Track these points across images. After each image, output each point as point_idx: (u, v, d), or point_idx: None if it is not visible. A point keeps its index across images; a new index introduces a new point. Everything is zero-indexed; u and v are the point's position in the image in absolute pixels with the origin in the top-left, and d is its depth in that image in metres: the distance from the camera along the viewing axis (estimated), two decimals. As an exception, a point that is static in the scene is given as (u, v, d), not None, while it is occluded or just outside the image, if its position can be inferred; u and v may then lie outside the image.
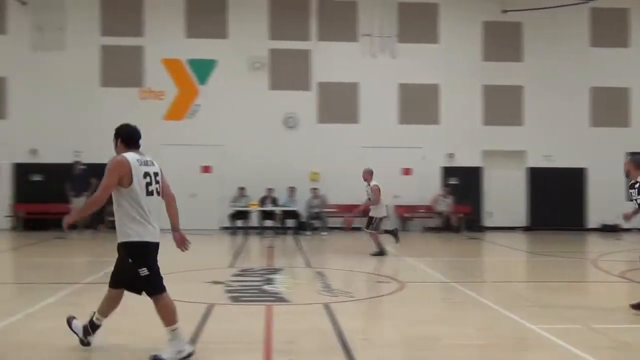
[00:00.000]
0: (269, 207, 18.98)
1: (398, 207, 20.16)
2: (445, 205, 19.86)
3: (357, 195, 20.03)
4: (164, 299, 5.74)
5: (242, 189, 19.24)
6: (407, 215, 20.14)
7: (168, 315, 5.69)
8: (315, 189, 19.46)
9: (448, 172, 20.51)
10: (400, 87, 20.44)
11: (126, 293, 5.97)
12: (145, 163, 5.70)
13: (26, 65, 19.52)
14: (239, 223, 19.02)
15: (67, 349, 6.02)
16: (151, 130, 19.44)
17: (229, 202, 19.21)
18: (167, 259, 12.53)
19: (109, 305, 6.01)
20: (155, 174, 5.78)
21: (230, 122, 19.83)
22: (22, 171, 19.60)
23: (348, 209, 20.05)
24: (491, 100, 20.70)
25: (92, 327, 6.02)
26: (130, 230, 5.56)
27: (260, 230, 18.74)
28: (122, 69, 19.81)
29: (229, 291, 9.11)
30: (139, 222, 5.56)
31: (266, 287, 9.47)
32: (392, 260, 13.19)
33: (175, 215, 6.00)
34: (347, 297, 8.77)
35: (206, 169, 19.99)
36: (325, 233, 18.75)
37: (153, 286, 5.69)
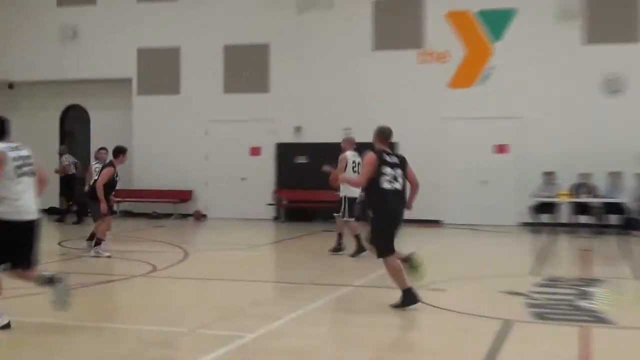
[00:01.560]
0: (584, 198, 18.23)
1: None
2: None
3: None
4: None
5: (549, 174, 18.74)
6: None
7: None
8: (645, 174, 18.22)
9: None
10: None
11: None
12: (16, 148, 7.40)
13: (290, 30, 21.10)
14: (544, 218, 18.59)
15: (328, 358, 6.40)
16: (433, 101, 19.95)
17: (531, 191, 18.84)
18: (457, 263, 12.63)
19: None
20: (27, 157, 7.47)
21: (532, 89, 19.41)
22: (285, 152, 21.23)
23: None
24: None
25: None
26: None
27: (573, 227, 18.09)
28: (398, 27, 20.42)
29: (532, 305, 8.94)
30: (6, 203, 7.20)
31: (581, 303, 9.12)
32: None
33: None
34: (697, 323, 8.09)
35: (501, 149, 19.80)
36: (662, 234, 17.50)
37: None
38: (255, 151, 21.60)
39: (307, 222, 20.26)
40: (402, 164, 8.64)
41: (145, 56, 22.40)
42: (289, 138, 21.22)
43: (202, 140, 21.72)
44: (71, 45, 22.85)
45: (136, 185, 22.00)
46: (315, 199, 20.54)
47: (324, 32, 20.88)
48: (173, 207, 21.69)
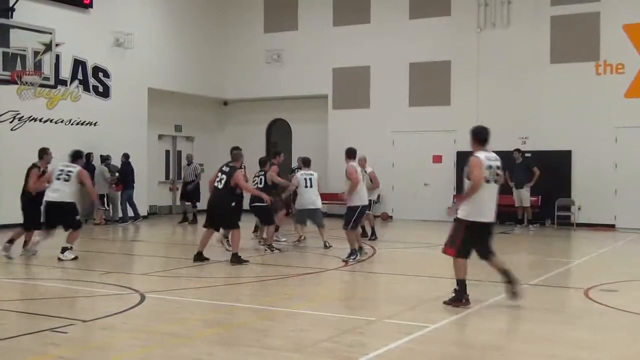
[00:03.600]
0: None
1: None
2: None
3: None
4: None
5: None
6: None
7: None
8: None
9: None
10: None
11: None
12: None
13: (470, 48, 20.87)
14: None
15: (502, 351, 6.33)
16: (609, 110, 19.01)
17: None
18: (629, 267, 11.93)
19: None
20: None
21: None
22: (465, 160, 20.86)
23: None
24: None
25: None
26: None
27: None
28: (575, 41, 19.66)
29: None
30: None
31: None
32: None
33: None
34: None
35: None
36: None
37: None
38: (437, 159, 21.55)
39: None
40: (228, 174, 11.69)
41: (340, 75, 22.96)
42: (469, 147, 20.79)
43: (389, 149, 21.93)
44: (276, 67, 23.85)
45: (331, 189, 22.52)
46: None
47: (502, 48, 20.51)
48: (363, 209, 22.02)
